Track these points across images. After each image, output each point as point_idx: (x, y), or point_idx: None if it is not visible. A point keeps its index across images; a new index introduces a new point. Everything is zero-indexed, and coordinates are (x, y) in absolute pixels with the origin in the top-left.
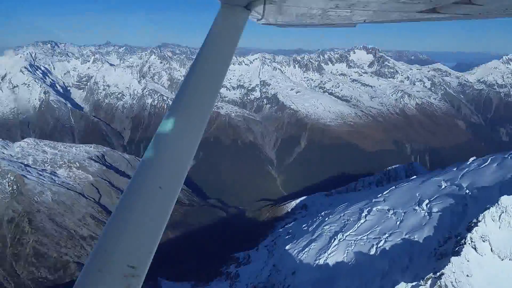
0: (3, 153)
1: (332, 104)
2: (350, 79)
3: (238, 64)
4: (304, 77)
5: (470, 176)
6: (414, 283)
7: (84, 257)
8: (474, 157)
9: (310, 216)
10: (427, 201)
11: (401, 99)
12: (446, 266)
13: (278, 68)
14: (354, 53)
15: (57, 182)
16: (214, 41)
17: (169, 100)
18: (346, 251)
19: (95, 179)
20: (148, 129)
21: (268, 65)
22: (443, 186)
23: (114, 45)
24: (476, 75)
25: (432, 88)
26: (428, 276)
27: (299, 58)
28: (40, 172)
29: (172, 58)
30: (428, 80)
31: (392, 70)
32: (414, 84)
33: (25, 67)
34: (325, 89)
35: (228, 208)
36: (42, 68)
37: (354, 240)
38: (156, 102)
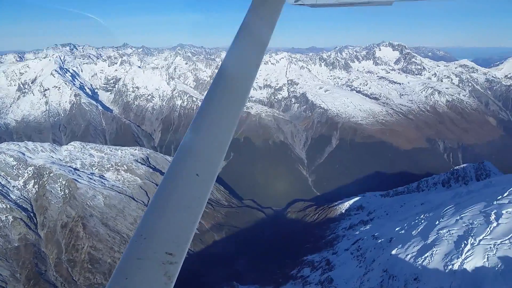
0: (52, 157)
1: (362, 102)
2: (378, 76)
3: (264, 63)
4: (331, 76)
5: None
6: None
7: None
8: None
9: (385, 218)
10: None
11: (431, 96)
12: None
13: (306, 67)
14: (380, 50)
15: (107, 185)
16: (251, 23)
17: (198, 101)
18: (487, 256)
19: (143, 181)
20: (179, 130)
21: (295, 64)
22: None
23: (131, 47)
24: (504, 71)
25: (460, 84)
26: None
27: (325, 56)
28: (90, 176)
29: (194, 58)
30: (456, 77)
31: (419, 67)
32: (442, 81)
33: (56, 70)
34: (352, 87)
35: (264, 209)
36: (71, 71)
37: (494, 245)
38: (185, 103)
